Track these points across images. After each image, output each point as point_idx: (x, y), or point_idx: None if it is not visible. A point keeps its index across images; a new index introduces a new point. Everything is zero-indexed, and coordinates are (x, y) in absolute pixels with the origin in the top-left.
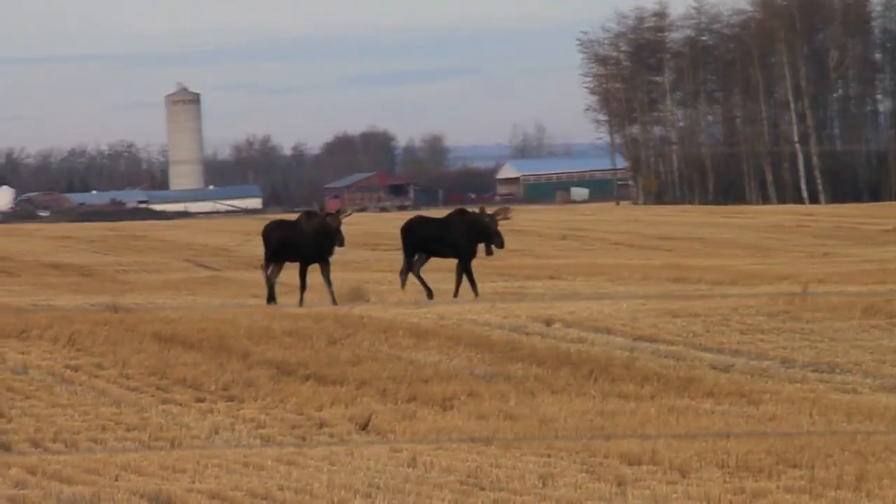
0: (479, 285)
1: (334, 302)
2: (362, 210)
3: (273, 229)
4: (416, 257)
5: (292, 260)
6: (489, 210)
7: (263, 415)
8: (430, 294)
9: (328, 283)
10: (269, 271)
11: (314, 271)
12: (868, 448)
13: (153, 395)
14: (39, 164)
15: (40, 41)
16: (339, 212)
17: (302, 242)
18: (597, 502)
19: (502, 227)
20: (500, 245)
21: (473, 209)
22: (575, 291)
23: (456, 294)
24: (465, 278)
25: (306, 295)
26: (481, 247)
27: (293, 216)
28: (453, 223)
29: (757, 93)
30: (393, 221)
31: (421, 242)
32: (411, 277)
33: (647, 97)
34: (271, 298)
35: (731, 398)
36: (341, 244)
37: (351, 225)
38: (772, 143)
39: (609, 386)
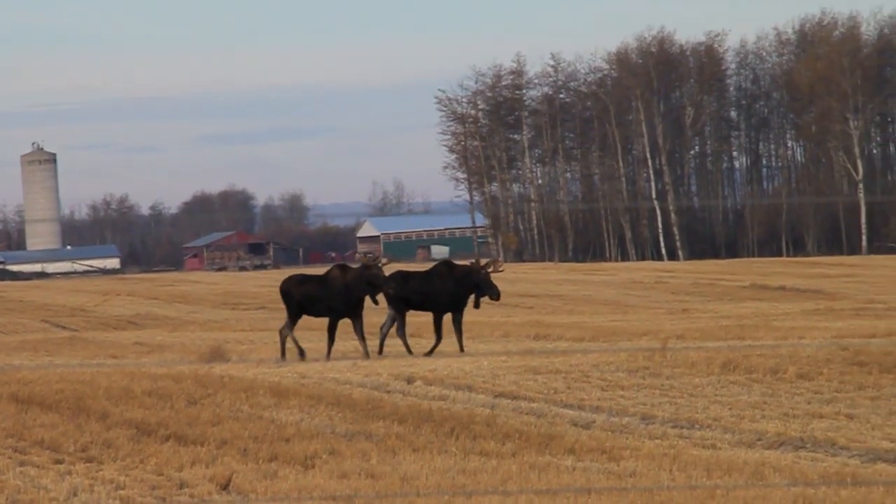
0: (334, 345)
1: (367, 355)
2: (222, 269)
3: (297, 283)
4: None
5: (320, 315)
6: (482, 262)
7: (123, 476)
8: (409, 352)
9: (363, 338)
10: (288, 328)
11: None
12: (727, 503)
13: (10, 458)
14: None
15: None
16: (377, 259)
17: (335, 296)
18: None
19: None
20: (496, 297)
21: (464, 263)
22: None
23: (462, 349)
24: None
25: (170, 355)
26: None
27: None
28: (442, 276)
29: (615, 150)
30: (252, 280)
31: (409, 297)
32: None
33: (505, 155)
34: (302, 353)
35: (592, 454)
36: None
37: (213, 285)
38: (630, 199)
39: (470, 443)
